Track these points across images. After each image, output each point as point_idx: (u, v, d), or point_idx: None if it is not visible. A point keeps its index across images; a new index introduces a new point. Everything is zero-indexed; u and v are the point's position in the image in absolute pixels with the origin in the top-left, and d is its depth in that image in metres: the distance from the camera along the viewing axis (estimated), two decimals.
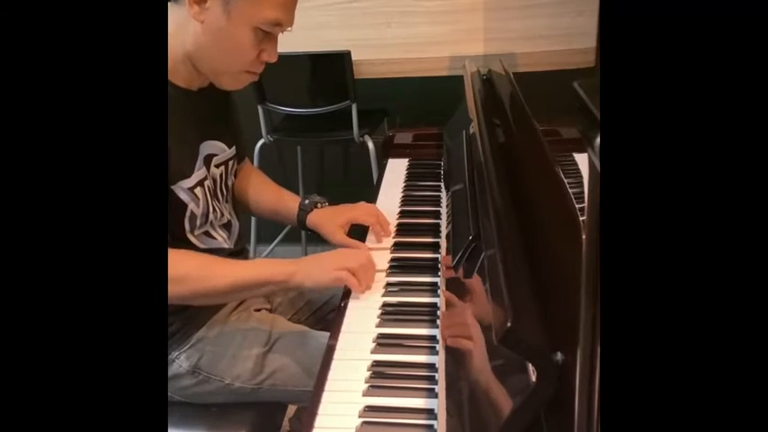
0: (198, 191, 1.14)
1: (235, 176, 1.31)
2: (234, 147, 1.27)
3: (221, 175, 1.23)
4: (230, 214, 1.28)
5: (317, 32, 2.44)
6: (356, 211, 1.35)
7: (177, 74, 1.11)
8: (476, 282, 0.85)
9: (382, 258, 1.24)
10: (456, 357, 0.82)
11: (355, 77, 2.23)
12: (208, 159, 1.18)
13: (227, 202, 1.26)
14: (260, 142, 2.42)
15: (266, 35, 1.08)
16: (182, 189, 1.11)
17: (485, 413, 0.66)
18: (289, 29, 1.11)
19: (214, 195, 1.20)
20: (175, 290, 1.03)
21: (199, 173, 1.15)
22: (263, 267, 1.12)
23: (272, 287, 1.12)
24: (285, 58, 2.24)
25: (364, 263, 1.13)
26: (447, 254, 1.12)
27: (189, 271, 1.05)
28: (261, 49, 1.09)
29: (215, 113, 1.24)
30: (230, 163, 1.26)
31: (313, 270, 1.10)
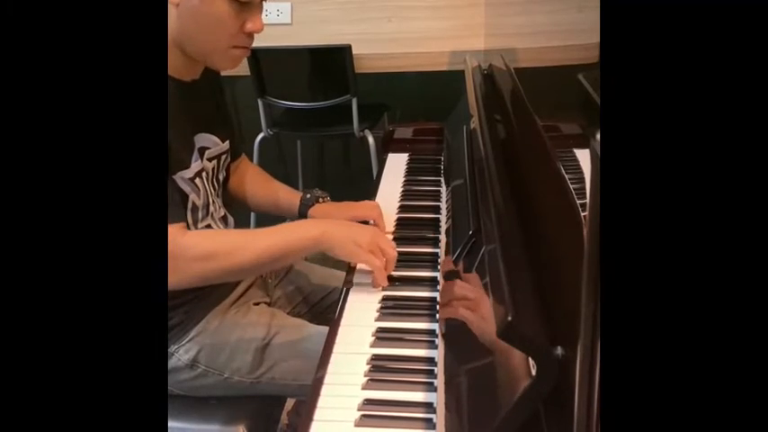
0: (198, 182, 1.14)
1: (227, 172, 1.31)
2: (227, 142, 1.27)
3: (213, 169, 1.22)
4: (223, 208, 1.28)
5: (317, 27, 2.44)
6: (357, 210, 1.34)
7: (168, 64, 1.10)
8: (474, 277, 0.85)
9: None
10: (460, 336, 0.81)
11: (356, 72, 2.23)
12: (201, 152, 1.18)
13: (218, 196, 1.26)
14: (260, 136, 2.42)
15: (244, 6, 1.06)
16: (182, 179, 1.11)
17: (491, 394, 0.66)
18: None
19: (209, 188, 1.19)
20: (206, 267, 1.04)
21: (196, 164, 1.15)
22: (288, 233, 1.11)
23: (299, 253, 1.14)
24: (285, 52, 2.26)
25: (387, 252, 1.11)
26: (447, 249, 1.12)
27: (217, 247, 1.05)
28: (243, 20, 1.07)
29: (208, 107, 1.23)
30: (223, 158, 1.26)
31: (346, 240, 1.08)
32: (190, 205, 1.13)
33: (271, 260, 1.12)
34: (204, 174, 1.17)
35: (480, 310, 0.77)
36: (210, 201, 1.19)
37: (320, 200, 1.36)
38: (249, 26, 1.08)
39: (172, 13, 1.05)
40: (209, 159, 1.20)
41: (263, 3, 1.11)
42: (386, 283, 1.09)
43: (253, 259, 1.07)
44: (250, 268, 1.12)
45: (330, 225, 1.11)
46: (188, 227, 1.14)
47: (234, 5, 1.05)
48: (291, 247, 1.10)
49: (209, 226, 1.19)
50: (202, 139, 1.19)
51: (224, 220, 1.26)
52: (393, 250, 1.12)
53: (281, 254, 1.10)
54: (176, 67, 1.11)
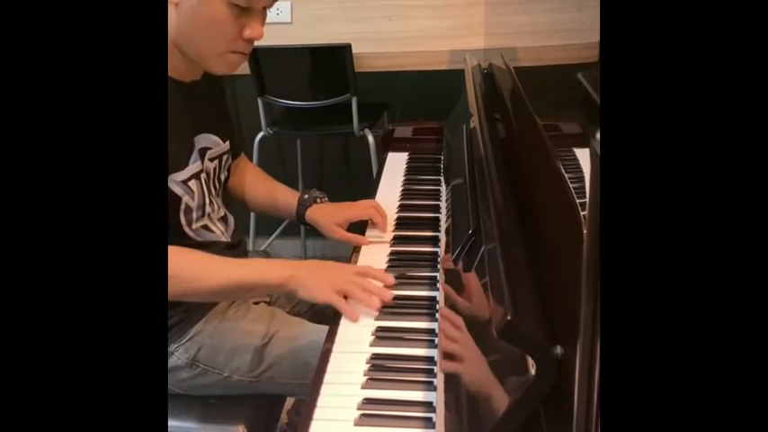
0: (192, 184, 1.14)
1: (228, 172, 1.31)
2: (228, 142, 1.27)
3: (214, 170, 1.22)
4: (224, 208, 1.28)
5: (317, 25, 2.44)
6: (355, 210, 1.35)
7: (168, 65, 1.09)
8: (474, 276, 0.85)
9: (382, 252, 1.24)
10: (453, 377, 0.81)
11: (355, 71, 2.23)
12: (202, 152, 1.18)
13: (218, 196, 1.26)
14: (259, 135, 2.41)
15: (244, 11, 1.04)
16: (174, 182, 1.11)
17: (483, 408, 0.66)
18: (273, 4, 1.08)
19: (207, 189, 1.19)
20: (168, 288, 1.01)
21: (193, 166, 1.14)
22: (259, 269, 1.10)
23: (265, 290, 1.11)
24: (285, 51, 2.25)
25: (368, 286, 1.06)
26: (446, 248, 1.12)
27: (183, 269, 1.02)
28: (242, 25, 1.05)
29: (209, 107, 1.23)
30: (224, 157, 1.25)
31: (310, 282, 1.06)
32: (183, 207, 1.13)
33: (235, 291, 1.11)
34: (204, 175, 1.17)
35: (466, 358, 0.77)
36: (208, 201, 1.19)
37: (318, 200, 1.36)
38: (247, 32, 1.06)
39: (171, 12, 1.04)
40: (211, 159, 1.20)
41: (266, 10, 1.09)
42: (355, 319, 1.03)
43: (216, 287, 1.06)
44: (212, 295, 1.11)
45: (302, 268, 1.08)
46: (182, 228, 1.14)
47: (233, 10, 1.03)
48: (258, 283, 1.08)
49: (205, 226, 1.19)
50: (203, 139, 1.19)
51: (224, 220, 1.26)
52: (361, 284, 1.07)
53: (246, 287, 1.09)
54: (176, 68, 1.11)
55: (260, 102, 2.35)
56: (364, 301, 1.04)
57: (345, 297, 1.06)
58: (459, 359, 0.80)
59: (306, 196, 1.36)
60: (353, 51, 2.19)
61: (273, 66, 2.27)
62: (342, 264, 1.16)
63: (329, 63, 2.27)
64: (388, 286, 1.08)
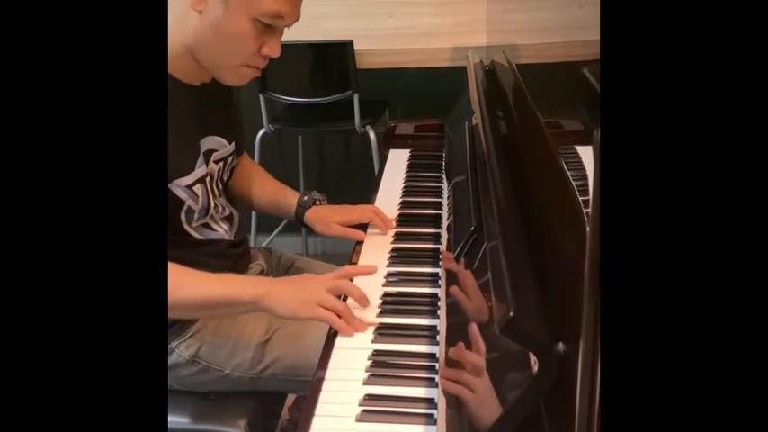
0: (197, 188, 1.13)
1: (231, 172, 1.31)
2: (233, 143, 1.26)
3: (218, 171, 1.22)
4: (229, 207, 1.27)
5: (318, 22, 2.43)
6: (354, 213, 1.34)
7: (178, 68, 1.09)
8: (476, 274, 0.85)
9: (383, 249, 1.23)
10: (461, 333, 0.81)
11: (357, 68, 2.23)
12: (207, 155, 1.18)
13: (221, 196, 1.25)
14: (261, 132, 2.42)
15: (267, 28, 1.04)
16: (179, 187, 1.10)
17: (486, 408, 0.66)
18: (294, 23, 1.08)
19: (211, 191, 1.19)
20: None
21: (199, 170, 1.14)
22: (232, 285, 1.04)
23: (239, 308, 1.05)
24: (287, 48, 2.23)
25: (343, 309, 1.00)
26: (448, 245, 1.12)
27: None
28: (262, 42, 1.05)
29: (217, 109, 1.23)
30: (229, 159, 1.25)
31: (289, 299, 1.01)
32: (185, 209, 1.13)
33: (204, 307, 1.05)
34: (208, 178, 1.17)
35: (479, 393, 0.75)
36: (213, 205, 1.18)
37: (317, 202, 1.35)
38: (266, 50, 1.06)
39: (192, 18, 1.04)
40: (216, 162, 1.20)
41: (285, 29, 1.09)
42: (351, 332, 0.98)
43: (186, 301, 1.01)
44: (181, 309, 1.03)
45: (275, 285, 1.03)
46: (182, 225, 1.14)
47: (257, 26, 1.03)
48: (229, 300, 1.03)
49: (206, 225, 1.19)
50: (209, 141, 1.18)
51: (228, 219, 1.26)
52: (356, 289, 1.04)
53: (216, 303, 1.03)
54: (186, 72, 1.10)
55: (261, 98, 2.36)
56: (345, 317, 0.99)
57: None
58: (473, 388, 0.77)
59: (305, 198, 1.35)
60: (355, 48, 2.19)
61: (275, 62, 2.26)
62: (316, 276, 1.09)
63: (331, 60, 2.27)
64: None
